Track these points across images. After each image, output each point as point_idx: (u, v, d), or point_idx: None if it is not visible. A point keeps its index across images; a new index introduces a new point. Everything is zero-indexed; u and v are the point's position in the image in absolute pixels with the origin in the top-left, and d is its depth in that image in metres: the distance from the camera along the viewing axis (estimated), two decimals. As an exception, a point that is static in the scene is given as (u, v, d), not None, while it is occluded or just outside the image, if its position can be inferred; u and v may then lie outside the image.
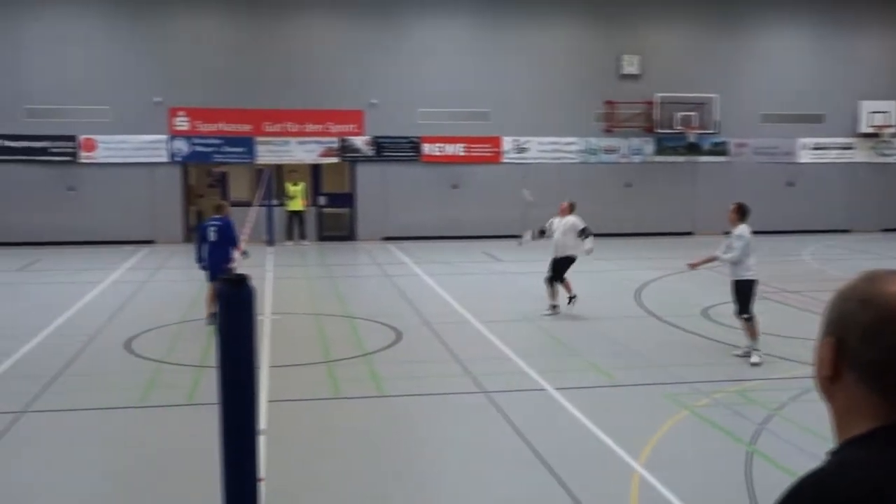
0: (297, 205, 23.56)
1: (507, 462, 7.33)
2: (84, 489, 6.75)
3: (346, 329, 12.55)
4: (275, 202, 23.12)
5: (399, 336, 11.94)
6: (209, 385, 9.35)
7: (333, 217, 24.66)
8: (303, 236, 23.60)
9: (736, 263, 10.37)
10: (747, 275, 10.37)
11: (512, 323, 12.83)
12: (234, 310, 3.62)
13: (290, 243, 23.12)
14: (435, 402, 9.13)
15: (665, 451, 7.37)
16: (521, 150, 24.80)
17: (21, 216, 22.32)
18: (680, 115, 24.87)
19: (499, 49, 24.39)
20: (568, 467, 7.00)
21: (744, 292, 10.34)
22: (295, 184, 23.57)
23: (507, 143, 24.70)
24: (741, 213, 10.51)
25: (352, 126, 23.83)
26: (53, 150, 22.49)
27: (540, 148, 24.90)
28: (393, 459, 7.36)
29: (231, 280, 3.73)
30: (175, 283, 17.20)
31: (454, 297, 14.86)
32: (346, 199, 24.52)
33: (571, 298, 13.30)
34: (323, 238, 24.23)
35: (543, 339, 11.95)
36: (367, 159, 24.06)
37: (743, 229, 10.38)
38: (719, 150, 25.90)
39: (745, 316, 10.33)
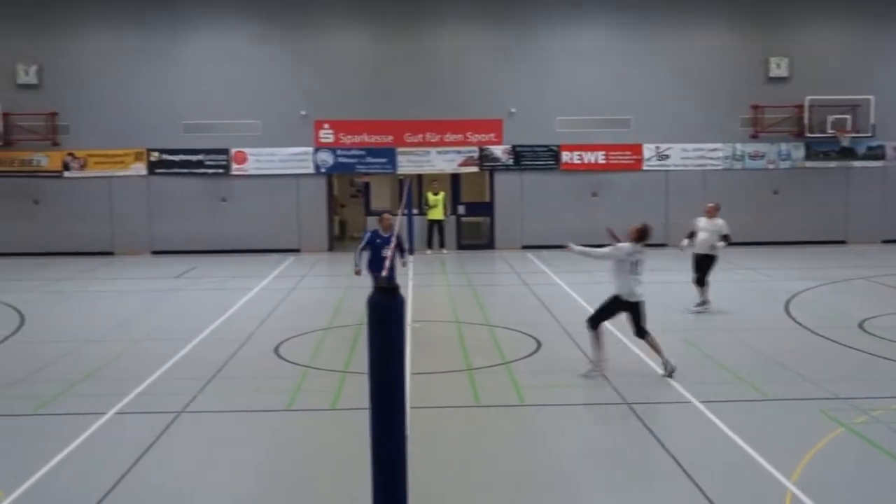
0: (438, 214, 23.88)
1: (649, 474, 7.19)
2: (238, 488, 7.04)
3: (487, 337, 12.60)
4: (415, 211, 23.54)
5: (539, 345, 11.90)
6: (353, 390, 9.62)
7: (472, 226, 24.85)
8: (442, 245, 23.88)
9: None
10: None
11: (655, 333, 12.55)
12: (385, 318, 3.71)
13: (429, 252, 23.43)
14: (576, 412, 9.05)
15: (819, 470, 7.05)
16: (663, 156, 24.30)
17: (178, 226, 23.55)
18: (832, 118, 23.76)
19: (639, 54, 24.00)
20: (714, 482, 6.80)
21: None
22: (435, 193, 23.89)
23: (648, 150, 24.25)
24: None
25: (491, 135, 23.96)
26: (208, 163, 23.62)
27: (683, 154, 24.32)
28: (533, 468, 7.34)
29: (384, 289, 3.82)
30: (320, 291, 17.73)
31: (594, 306, 14.67)
32: (484, 208, 24.66)
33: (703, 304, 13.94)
34: (462, 247, 24.44)
35: (688, 350, 11.64)
36: (506, 168, 24.13)
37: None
38: (874, 154, 24.58)
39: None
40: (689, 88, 23.96)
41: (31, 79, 23.09)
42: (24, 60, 23.06)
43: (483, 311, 14.78)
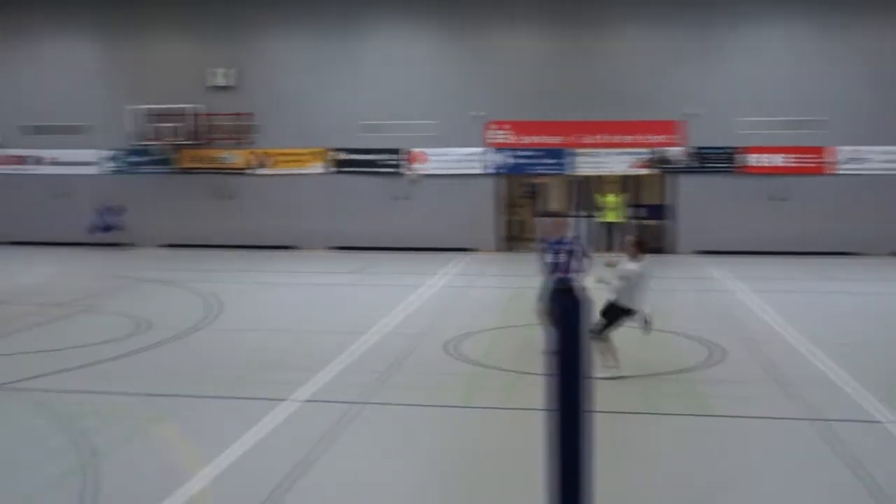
0: (612, 216, 23.57)
1: (834, 497, 6.84)
2: (416, 482, 7.23)
3: (663, 343, 12.35)
4: (588, 213, 23.33)
5: (719, 353, 11.55)
6: (527, 391, 9.67)
7: (647, 229, 24.34)
8: (612, 248, 23.52)
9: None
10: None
11: (848, 346, 11.90)
12: (570, 320, 3.72)
13: (605, 255, 23.06)
14: (756, 426, 8.72)
15: None
16: (858, 160, 22.92)
17: (355, 223, 24.40)
18: None
19: (826, 52, 22.79)
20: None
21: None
22: (609, 195, 23.60)
23: (840, 152, 22.96)
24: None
25: (667, 137, 23.42)
26: (383, 163, 24.33)
27: (882, 158, 22.85)
28: (708, 481, 7.14)
29: (564, 291, 3.83)
30: (491, 290, 17.92)
31: (780, 315, 14.10)
32: (660, 211, 24.12)
33: None
34: (638, 250, 23.92)
35: (884, 366, 10.96)
36: (683, 170, 23.50)
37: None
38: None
39: None
40: (887, 87, 22.51)
41: (229, 81, 24.53)
42: (224, 64, 24.53)
43: (659, 316, 14.45)
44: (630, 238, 11.02)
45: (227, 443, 7.89)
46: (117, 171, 25.30)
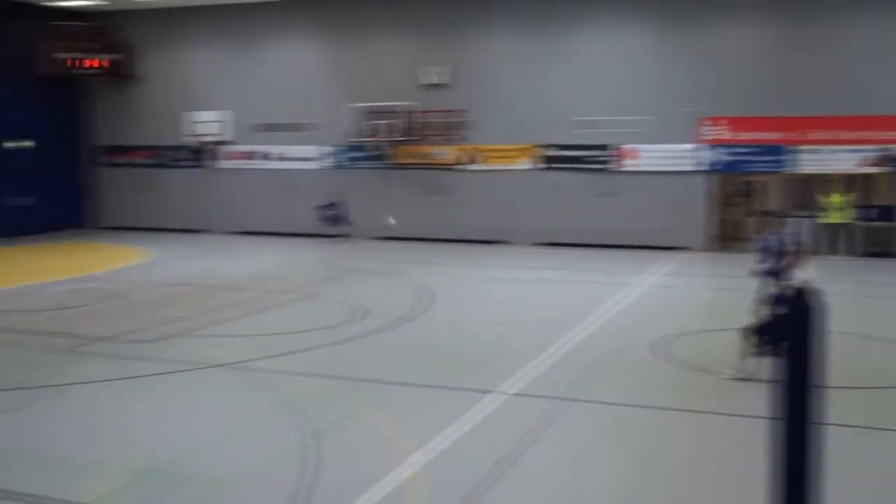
0: (837, 217, 22.12)
1: None
2: (619, 483, 7.16)
3: (882, 353, 11.50)
4: (809, 214, 21.99)
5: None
6: (737, 396, 9.31)
7: (875, 231, 22.66)
8: (836, 251, 22.08)
9: None
10: None
11: None
12: (802, 325, 3.56)
13: (831, 258, 21.67)
14: None
15: None
16: None
17: (563, 219, 24.33)
18: None
19: None
20: None
21: None
22: (834, 195, 22.16)
23: None
24: None
25: (898, 133, 21.70)
26: (593, 159, 24.11)
27: None
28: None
29: (795, 295, 3.66)
30: (702, 291, 17.36)
31: None
32: (891, 213, 22.37)
33: None
34: (866, 253, 22.27)
35: None
36: (919, 169, 21.70)
37: None
38: None
39: None
40: None
41: (442, 79, 25.17)
42: (437, 63, 25.20)
43: (875, 325, 13.48)
44: (798, 247, 10.34)
45: (435, 431, 8.12)
46: (337, 167, 26.60)
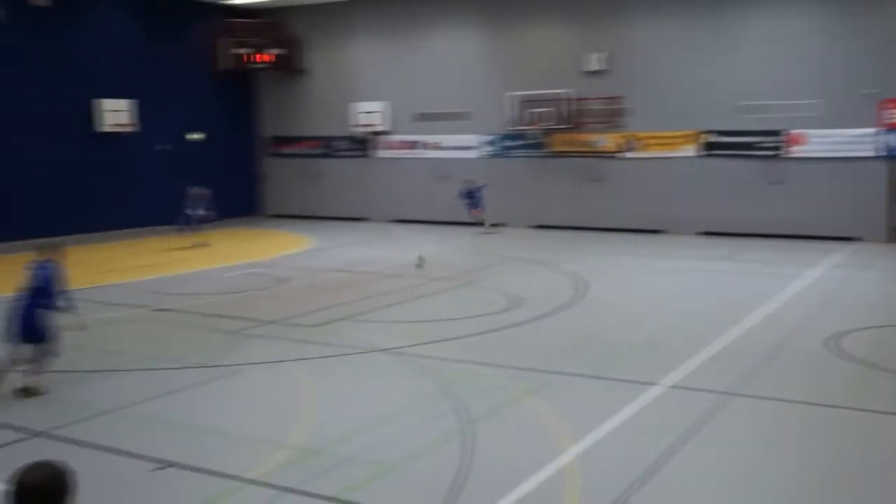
0: None
1: None
2: (786, 481, 6.85)
3: None
4: None
5: None
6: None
7: None
8: None
9: None
10: None
11: None
12: None
13: None
14: None
15: None
16: None
17: (727, 208, 23.48)
18: None
19: None
20: None
21: None
22: None
23: None
24: None
25: None
26: (760, 145, 23.11)
27: None
28: None
29: None
30: (879, 285, 16.35)
31: None
32: None
33: None
34: None
35: None
36: None
37: None
38: None
39: None
40: None
41: (601, 66, 24.78)
42: (595, 49, 24.83)
43: None
44: None
45: (594, 421, 8.03)
46: (494, 155, 26.69)
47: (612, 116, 24.70)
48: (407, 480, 6.87)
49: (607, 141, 24.98)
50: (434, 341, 11.46)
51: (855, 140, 22.03)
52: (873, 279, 16.77)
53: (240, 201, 29.76)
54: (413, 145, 28.02)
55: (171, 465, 7.13)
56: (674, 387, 9.26)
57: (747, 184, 23.35)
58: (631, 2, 24.52)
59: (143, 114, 25.83)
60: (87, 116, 24.72)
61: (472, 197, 24.99)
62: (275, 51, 28.95)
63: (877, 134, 21.79)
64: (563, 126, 25.06)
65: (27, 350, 9.21)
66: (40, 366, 9.30)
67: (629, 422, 8.16)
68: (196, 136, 28.10)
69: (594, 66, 24.82)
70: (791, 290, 15.13)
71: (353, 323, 12.81)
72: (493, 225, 25.18)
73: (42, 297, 9.21)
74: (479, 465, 7.06)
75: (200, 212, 22.83)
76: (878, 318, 12.82)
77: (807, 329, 12.03)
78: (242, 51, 28.56)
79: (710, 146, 23.70)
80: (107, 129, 24.95)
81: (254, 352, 11.11)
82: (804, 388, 9.21)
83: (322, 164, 29.72)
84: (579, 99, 24.90)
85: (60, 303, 9.37)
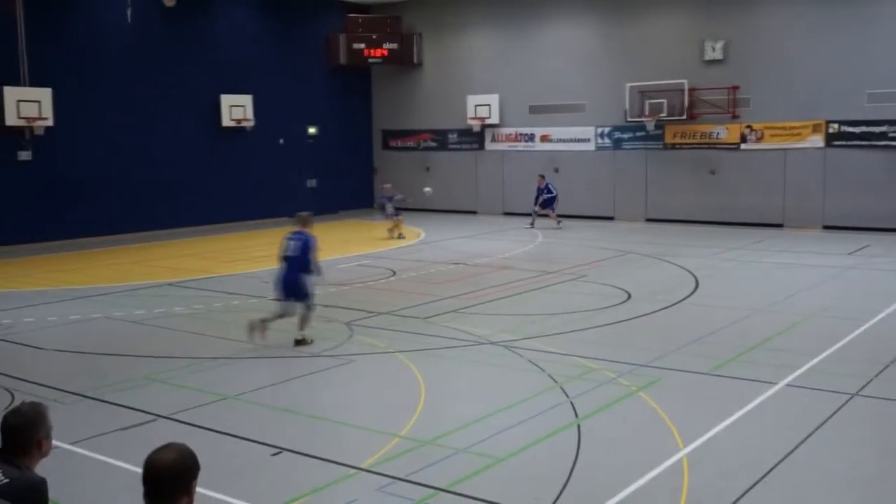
0: None
1: None
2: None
3: None
4: None
5: None
6: None
7: None
8: None
9: None
10: None
11: None
12: None
13: None
14: None
15: None
16: None
17: (853, 201, 22.48)
18: None
19: None
20: None
21: None
22: None
23: None
24: None
25: None
26: (891, 135, 22.01)
27: None
28: None
29: None
30: None
31: None
32: None
33: None
34: None
35: None
36: None
37: None
38: None
39: None
40: None
41: (717, 55, 24.10)
42: (712, 37, 24.15)
43: None
44: None
45: (709, 419, 7.83)
46: (610, 147, 26.28)
47: (730, 106, 23.99)
48: (518, 474, 6.85)
49: (725, 132, 24.29)
50: (546, 335, 11.39)
51: None
52: None
53: (353, 194, 30.30)
54: (526, 137, 27.90)
55: (287, 450, 7.32)
56: (795, 386, 8.94)
57: (877, 175, 22.29)
58: (751, -11, 23.76)
59: (261, 109, 26.59)
60: (214, 112, 25.63)
61: (545, 194, 24.35)
62: (389, 45, 29.31)
63: None
64: (680, 117, 24.49)
65: (293, 307, 11.14)
66: (305, 320, 11.18)
67: (747, 422, 7.91)
68: (311, 130, 28.74)
69: (712, 54, 24.15)
70: (922, 287, 14.42)
71: (463, 315, 12.85)
72: (606, 218, 24.84)
73: (301, 262, 11.05)
74: (591, 460, 6.98)
75: (390, 206, 22.82)
76: None
77: (940, 329, 11.43)
78: (362, 46, 29.02)
79: (837, 136, 22.73)
80: (230, 123, 25.82)
81: (367, 342, 11.28)
82: (936, 391, 8.74)
83: (433, 157, 29.93)
84: (697, 89, 24.29)
85: (314, 267, 11.16)
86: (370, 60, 29.35)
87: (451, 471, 6.84)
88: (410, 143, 30.45)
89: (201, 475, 3.28)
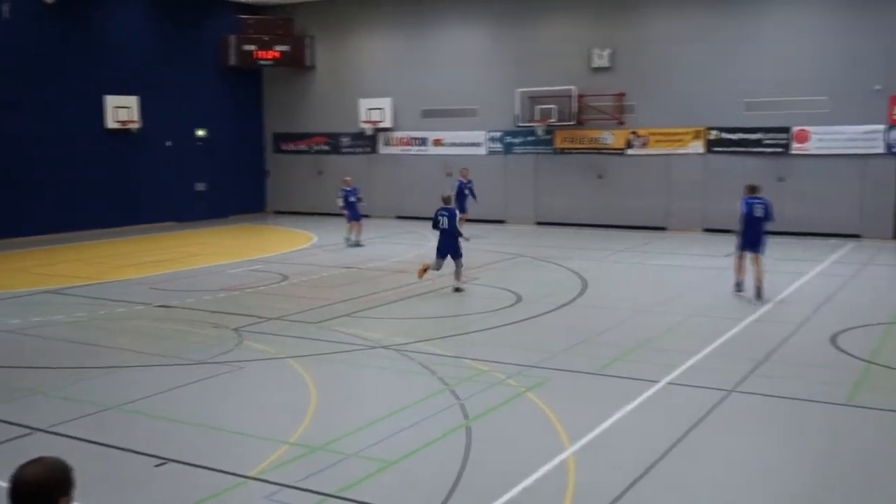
0: None
1: None
2: (789, 482, 6.84)
3: None
4: None
5: None
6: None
7: None
8: None
9: None
10: None
11: None
12: None
13: None
14: None
15: None
16: None
17: (733, 204, 23.27)
18: None
19: None
20: None
21: None
22: None
23: None
24: None
25: None
26: (766, 142, 23.04)
27: None
28: None
29: None
30: (883, 281, 16.33)
31: None
32: None
33: None
34: None
35: None
36: None
37: None
38: None
39: None
40: None
41: (605, 62, 24.73)
42: (600, 45, 24.77)
43: None
44: None
45: (597, 420, 8.02)
46: (501, 151, 26.62)
47: (615, 113, 24.65)
48: (408, 477, 6.87)
49: (611, 137, 24.94)
50: (437, 338, 11.46)
51: (863, 137, 21.95)
52: (876, 276, 16.75)
53: (244, 197, 29.81)
54: (419, 141, 28.00)
55: (172, 461, 7.14)
56: (675, 384, 9.25)
57: (754, 181, 23.19)
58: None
59: (148, 110, 25.89)
60: (98, 113, 24.80)
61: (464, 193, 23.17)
62: (281, 47, 28.96)
63: (888, 130, 21.66)
64: (569, 123, 25.00)
65: (449, 262, 14.96)
66: (460, 272, 14.91)
67: (632, 418, 8.15)
68: (199, 132, 28.13)
69: (596, 62, 24.78)
70: (798, 286, 15.12)
71: (356, 319, 12.81)
72: (496, 222, 25.10)
73: (450, 230, 14.96)
74: (480, 462, 7.06)
75: (341, 201, 21.62)
76: (883, 314, 12.77)
77: (812, 325, 12.03)
78: (252, 48, 28.56)
79: (717, 143, 23.65)
80: (114, 125, 25.04)
81: (256, 348, 11.12)
82: (808, 385, 9.16)
83: (326, 160, 29.73)
84: (585, 95, 24.86)
85: (460, 232, 15.08)
86: (261, 62, 28.94)
87: (341, 476, 6.81)
88: (303, 147, 30.16)
89: (79, 490, 3.17)
